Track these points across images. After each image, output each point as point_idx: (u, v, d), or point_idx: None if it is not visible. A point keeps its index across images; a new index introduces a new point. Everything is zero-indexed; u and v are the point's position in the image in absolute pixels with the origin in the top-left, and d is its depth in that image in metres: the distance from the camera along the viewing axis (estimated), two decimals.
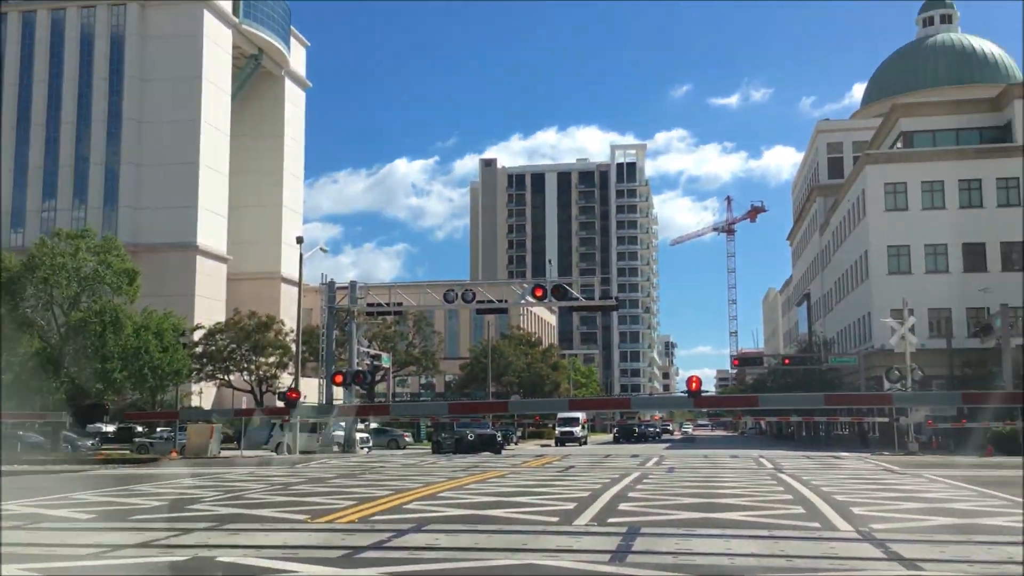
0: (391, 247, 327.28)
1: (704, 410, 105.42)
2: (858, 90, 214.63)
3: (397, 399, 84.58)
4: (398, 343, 73.17)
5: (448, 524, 13.21)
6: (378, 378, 66.61)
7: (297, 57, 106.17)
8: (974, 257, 60.21)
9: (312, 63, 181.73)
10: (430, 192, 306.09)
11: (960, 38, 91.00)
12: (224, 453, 41.38)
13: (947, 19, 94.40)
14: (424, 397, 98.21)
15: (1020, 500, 16.27)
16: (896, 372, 44.54)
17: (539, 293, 45.38)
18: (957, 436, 46.79)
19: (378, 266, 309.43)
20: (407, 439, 56.67)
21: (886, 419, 50.44)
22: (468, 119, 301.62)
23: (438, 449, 46.57)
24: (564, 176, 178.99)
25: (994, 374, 46.06)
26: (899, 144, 66.56)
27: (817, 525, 12.91)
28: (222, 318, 72.87)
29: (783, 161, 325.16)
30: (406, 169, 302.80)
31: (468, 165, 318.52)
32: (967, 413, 44.12)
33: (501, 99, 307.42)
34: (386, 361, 59.78)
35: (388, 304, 49.69)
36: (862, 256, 65.37)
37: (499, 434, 49.14)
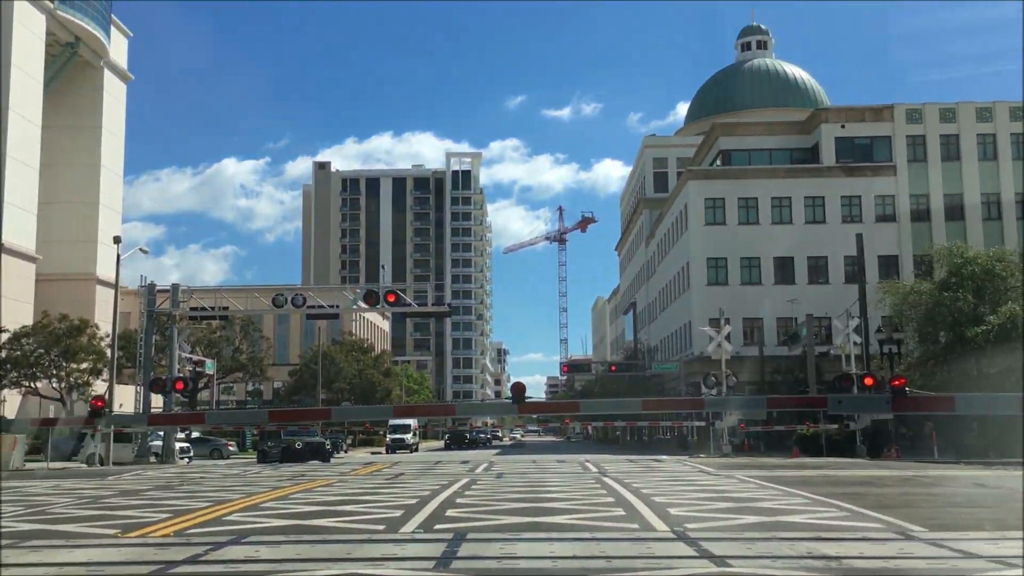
0: (218, 249, 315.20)
1: (534, 416, 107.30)
2: (682, 108, 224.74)
3: (222, 407, 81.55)
4: (224, 349, 70.57)
5: (270, 535, 12.82)
6: (201, 385, 63.95)
7: (119, 48, 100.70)
8: (783, 270, 64.34)
9: (135, 56, 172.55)
10: (260, 194, 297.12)
11: (775, 63, 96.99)
12: (29, 465, 38.71)
13: (763, 45, 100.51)
14: (251, 405, 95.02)
15: (818, 498, 17.45)
16: (712, 378, 46.84)
17: (372, 299, 45.03)
18: (767, 438, 49.61)
19: (204, 269, 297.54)
20: (231, 448, 54.88)
21: (703, 423, 53.02)
22: (301, 120, 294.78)
23: (264, 458, 45.34)
24: (399, 182, 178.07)
25: (800, 380, 49.29)
26: (718, 162, 70.23)
27: (636, 526, 13.37)
28: (30, 321, 68.15)
29: (612, 173, 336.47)
30: (235, 169, 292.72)
31: (300, 167, 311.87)
32: (776, 416, 46.94)
33: (335, 102, 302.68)
34: (210, 367, 57.56)
35: (214, 308, 47.90)
36: (684, 267, 68.45)
37: (328, 442, 48.43)
